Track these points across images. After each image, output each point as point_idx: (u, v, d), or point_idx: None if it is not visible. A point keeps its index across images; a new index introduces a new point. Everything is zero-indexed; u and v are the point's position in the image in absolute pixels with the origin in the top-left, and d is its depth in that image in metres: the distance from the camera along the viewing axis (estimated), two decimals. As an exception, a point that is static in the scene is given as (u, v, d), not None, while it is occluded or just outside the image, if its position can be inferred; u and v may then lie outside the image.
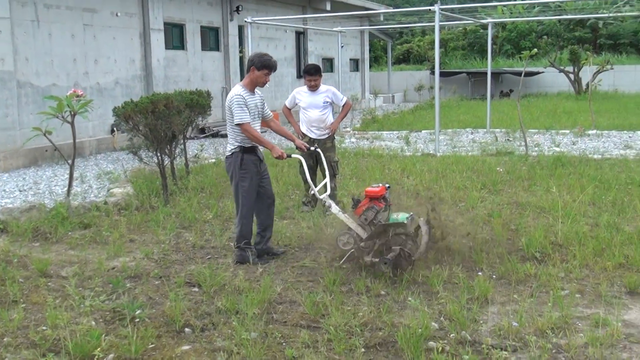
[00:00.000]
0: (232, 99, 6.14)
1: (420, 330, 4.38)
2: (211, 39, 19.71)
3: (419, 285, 5.38)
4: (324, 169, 8.19)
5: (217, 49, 19.94)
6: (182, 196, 9.02)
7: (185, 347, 4.45)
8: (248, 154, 6.22)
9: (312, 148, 6.90)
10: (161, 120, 8.69)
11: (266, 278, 5.62)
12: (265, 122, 6.59)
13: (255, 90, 6.36)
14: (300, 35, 24.59)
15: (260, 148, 6.37)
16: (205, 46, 19.24)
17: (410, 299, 5.05)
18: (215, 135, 17.62)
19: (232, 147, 6.25)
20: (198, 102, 9.69)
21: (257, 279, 5.81)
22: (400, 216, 5.80)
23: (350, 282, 5.59)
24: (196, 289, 5.60)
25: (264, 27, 20.99)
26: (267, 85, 6.50)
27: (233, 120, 6.14)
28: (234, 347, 4.36)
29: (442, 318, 4.77)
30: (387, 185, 6.10)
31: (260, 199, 6.40)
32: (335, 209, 5.97)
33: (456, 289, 5.29)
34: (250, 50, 15.70)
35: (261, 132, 6.39)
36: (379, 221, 5.76)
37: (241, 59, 19.94)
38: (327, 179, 6.48)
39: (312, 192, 6.20)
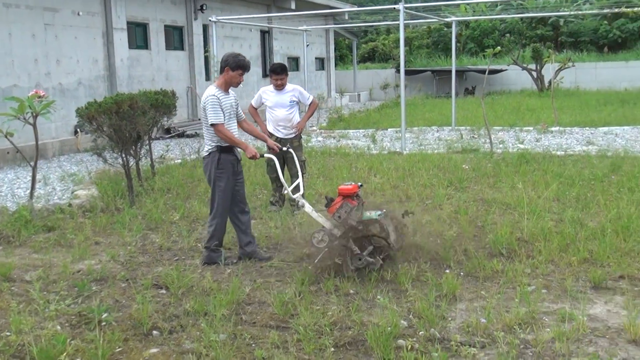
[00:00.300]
0: (206, 99, 6.12)
1: (389, 328, 4.39)
2: (175, 38, 19.55)
3: (387, 283, 5.39)
4: (294, 168, 8.19)
5: (182, 48, 19.78)
6: (148, 197, 8.93)
7: (153, 350, 4.40)
8: (225, 153, 6.20)
9: (285, 148, 6.87)
10: (125, 121, 8.58)
11: (234, 279, 5.59)
12: (238, 123, 6.55)
13: (230, 90, 6.34)
14: (266, 34, 24.52)
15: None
16: (169, 45, 19.08)
17: (379, 297, 5.06)
18: (181, 135, 17.47)
19: (209, 147, 6.22)
20: (163, 102, 9.60)
21: (226, 280, 5.78)
22: (373, 213, 5.83)
23: (319, 281, 5.58)
24: (163, 291, 5.54)
25: (228, 26, 20.88)
26: (240, 85, 6.47)
27: (208, 121, 6.11)
28: (203, 349, 4.32)
29: (411, 316, 4.79)
30: (359, 183, 6.11)
31: (234, 203, 6.34)
32: (308, 207, 5.96)
33: (424, 287, 5.32)
34: (215, 50, 15.60)
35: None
36: (352, 218, 5.77)
37: (206, 58, 19.81)
38: (300, 179, 6.44)
39: (286, 191, 6.15)
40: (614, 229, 6.60)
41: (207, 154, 6.25)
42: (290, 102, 8.23)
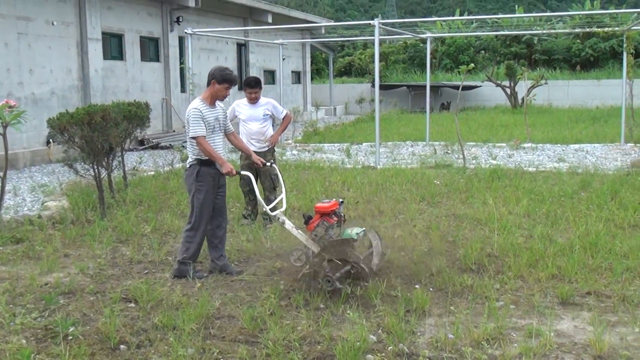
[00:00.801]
0: (188, 112, 6.15)
1: (358, 343, 4.39)
2: (151, 49, 19.49)
3: (357, 298, 5.39)
4: (267, 182, 8.18)
5: (157, 59, 19.72)
6: (120, 209, 8.85)
7: (120, 365, 4.36)
8: (206, 166, 6.19)
9: (268, 164, 6.81)
10: (98, 132, 8.52)
11: (204, 293, 5.56)
12: (225, 136, 6.53)
13: (217, 103, 6.34)
14: (242, 47, 24.54)
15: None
16: (145, 57, 19.01)
17: (348, 312, 5.06)
18: (155, 147, 17.38)
19: (191, 160, 6.25)
20: (136, 114, 9.54)
21: (195, 294, 5.74)
22: (354, 231, 5.76)
23: (289, 295, 5.58)
24: (132, 305, 5.49)
25: (205, 38, 20.87)
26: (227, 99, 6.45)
27: (189, 133, 6.13)
28: (171, 364, 4.28)
29: (380, 331, 4.80)
30: (340, 200, 6.06)
31: (213, 217, 6.30)
32: (289, 225, 5.85)
33: (394, 302, 5.33)
34: (190, 62, 15.58)
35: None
36: (330, 237, 5.71)
37: (182, 70, 19.76)
38: (283, 194, 6.31)
39: (264, 209, 6.10)
40: (582, 246, 6.69)
41: (189, 166, 6.28)
42: (263, 115, 8.24)
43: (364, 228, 5.91)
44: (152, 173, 12.13)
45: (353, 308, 5.18)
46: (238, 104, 8.39)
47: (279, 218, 5.89)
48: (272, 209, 6.10)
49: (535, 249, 6.64)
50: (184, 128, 18.81)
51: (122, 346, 4.62)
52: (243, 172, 6.52)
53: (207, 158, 6.17)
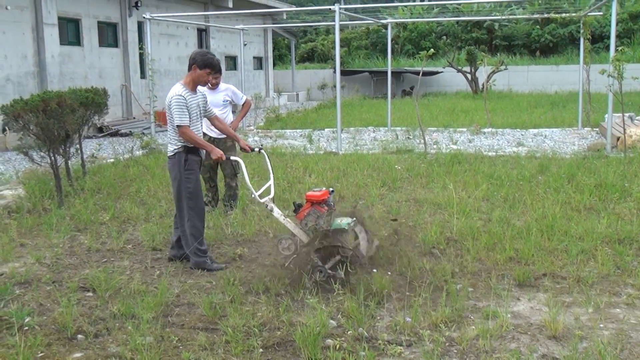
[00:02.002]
0: (171, 98, 5.91)
1: (318, 328, 4.40)
2: (109, 34, 19.18)
3: (317, 283, 5.39)
4: (228, 169, 8.11)
5: (116, 45, 19.42)
6: (78, 198, 8.72)
7: (77, 355, 4.31)
8: (192, 154, 6.02)
9: (257, 150, 6.42)
10: (53, 119, 8.36)
11: (163, 281, 5.51)
12: (210, 120, 6.38)
13: (197, 88, 6.16)
14: (203, 33, 24.29)
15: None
16: (103, 42, 18.70)
17: (308, 297, 5.07)
18: (115, 134, 17.14)
19: (175, 147, 6.01)
20: (93, 100, 9.39)
21: (154, 281, 5.69)
22: (344, 221, 5.65)
23: (249, 282, 5.56)
24: (90, 294, 5.42)
25: (164, 23, 20.59)
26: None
27: (173, 121, 5.92)
28: (128, 353, 4.25)
29: (340, 316, 4.82)
30: (330, 189, 5.87)
31: None
32: (277, 212, 5.73)
33: (354, 287, 5.34)
34: (149, 47, 15.36)
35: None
36: (320, 226, 5.59)
37: (141, 55, 19.48)
38: (271, 181, 6.08)
39: (253, 196, 5.81)
40: (539, 228, 6.79)
41: (173, 154, 6.04)
42: (223, 101, 8.16)
43: (354, 218, 5.79)
44: (112, 160, 11.97)
45: (313, 294, 5.19)
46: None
47: (267, 205, 5.74)
48: (260, 196, 5.89)
49: (494, 232, 6.73)
50: (144, 115, 18.67)
51: (79, 336, 4.56)
52: (233, 158, 6.18)
53: (193, 145, 5.99)
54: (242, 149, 6.30)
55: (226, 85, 8.28)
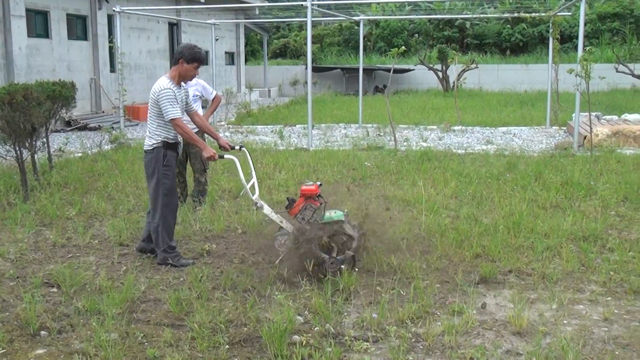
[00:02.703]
0: (160, 92, 5.77)
1: (284, 324, 4.39)
2: (78, 27, 18.92)
3: (285, 280, 5.39)
4: (197, 164, 8.05)
5: (85, 38, 19.17)
6: (44, 192, 8.59)
7: (40, 351, 4.25)
8: (171, 150, 5.92)
9: (238, 147, 6.24)
10: (19, 112, 8.23)
11: (129, 276, 5.45)
12: (190, 116, 6.26)
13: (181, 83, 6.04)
14: (174, 27, 24.09)
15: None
16: (72, 35, 18.45)
17: (276, 293, 5.06)
18: (84, 128, 16.93)
19: (154, 142, 5.88)
20: (61, 94, 9.26)
21: (120, 277, 5.64)
22: (335, 214, 5.64)
23: (217, 278, 5.54)
24: (55, 290, 5.35)
25: (135, 17, 20.38)
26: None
27: (160, 114, 5.79)
28: (92, 349, 4.20)
29: (307, 312, 4.82)
30: (319, 183, 5.86)
31: None
32: (267, 209, 5.67)
33: (321, 283, 5.35)
34: (119, 41, 15.19)
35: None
36: (316, 220, 5.57)
37: (111, 49, 19.26)
38: (254, 180, 5.96)
39: (244, 191, 5.71)
40: (506, 225, 6.86)
41: (151, 148, 5.90)
42: (193, 96, 8.07)
43: (346, 211, 5.79)
44: (79, 155, 11.83)
45: (280, 289, 5.19)
46: None
47: (256, 203, 5.67)
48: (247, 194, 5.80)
49: (461, 229, 6.78)
50: (114, 109, 18.46)
51: (42, 332, 4.50)
52: (227, 156, 5.97)
53: (173, 141, 5.90)
54: (222, 147, 6.11)
55: (196, 80, 8.19)
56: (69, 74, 17.21)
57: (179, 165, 8.02)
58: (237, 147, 6.16)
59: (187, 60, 5.88)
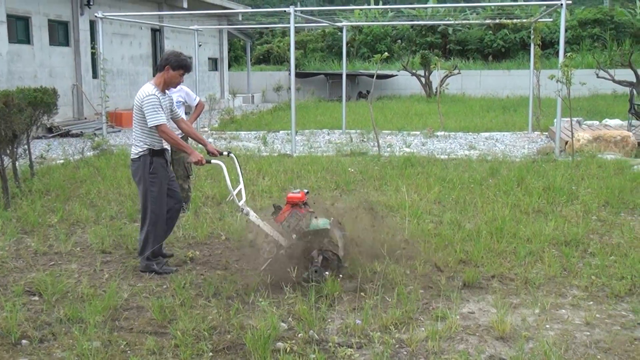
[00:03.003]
0: (144, 99, 5.72)
1: (268, 331, 4.39)
2: (60, 33, 18.82)
3: (269, 286, 5.38)
4: (180, 171, 8.03)
5: (67, 44, 19.06)
6: (25, 199, 8.52)
7: (21, 361, 4.21)
8: (157, 157, 5.86)
9: (226, 153, 6.18)
10: (0, 119, 8.15)
11: (112, 284, 5.42)
12: (176, 123, 6.23)
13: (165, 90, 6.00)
14: (157, 33, 24.01)
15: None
16: (53, 41, 18.33)
17: (260, 300, 5.05)
18: (66, 134, 16.81)
19: (140, 150, 5.84)
20: (42, 100, 9.20)
21: (103, 285, 5.60)
22: (321, 222, 5.63)
23: (200, 285, 5.52)
24: (36, 298, 5.30)
25: (117, 22, 20.30)
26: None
27: (144, 122, 5.74)
28: (74, 358, 4.17)
29: (290, 318, 4.82)
30: (305, 190, 5.86)
31: (168, 205, 6.04)
32: (253, 216, 5.63)
33: (306, 289, 5.35)
34: (101, 47, 15.11)
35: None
36: (302, 228, 5.57)
37: (93, 55, 19.15)
38: (242, 185, 5.91)
39: (231, 197, 5.63)
40: (489, 231, 6.90)
41: (137, 157, 5.86)
42: (177, 102, 8.06)
43: (331, 218, 5.78)
44: (62, 161, 11.75)
45: (264, 296, 5.18)
46: None
47: (242, 209, 5.62)
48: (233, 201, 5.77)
49: (445, 234, 6.81)
50: (96, 115, 18.35)
51: (24, 341, 4.46)
52: (214, 161, 5.93)
53: (159, 148, 5.85)
54: (210, 152, 6.05)
55: (180, 86, 8.16)
56: (51, 80, 17.10)
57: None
58: (225, 153, 6.11)
59: (173, 67, 5.85)
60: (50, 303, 5.13)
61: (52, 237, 7.09)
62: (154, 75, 22.42)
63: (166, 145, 5.99)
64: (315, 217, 5.67)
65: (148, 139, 5.84)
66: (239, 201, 5.66)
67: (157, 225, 5.95)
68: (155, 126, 5.72)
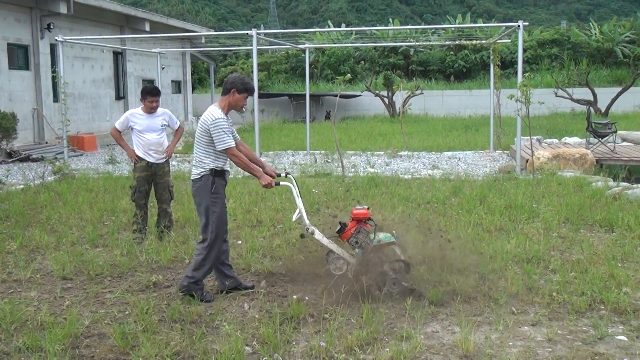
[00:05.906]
0: (214, 121, 5.69)
1: (232, 355, 4.35)
2: (20, 57, 18.59)
3: (233, 310, 5.34)
4: (165, 194, 7.94)
5: (27, 68, 18.84)
6: (-17, 226, 8.36)
7: (-22, 393, 4.10)
8: (219, 177, 5.84)
9: (284, 174, 6.26)
10: (-43, 145, 8.01)
11: (73, 311, 5.32)
12: (236, 145, 6.08)
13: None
14: (119, 56, 23.86)
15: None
16: (13, 65, 18.10)
17: (224, 324, 5.00)
18: (26, 159, 16.53)
19: (202, 170, 5.80)
20: (1, 125, 9.05)
21: (63, 312, 5.50)
22: (382, 236, 5.81)
23: (163, 310, 5.45)
24: (-6, 327, 5.18)
25: (78, 46, 20.15)
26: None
27: (210, 144, 5.72)
28: (34, 388, 4.07)
29: (255, 342, 4.78)
30: (368, 207, 6.01)
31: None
32: (319, 234, 5.79)
33: (271, 312, 5.32)
34: (62, 70, 14.95)
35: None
36: (369, 243, 5.72)
37: (54, 78, 18.95)
38: (301, 206, 5.96)
39: (298, 215, 5.86)
40: (452, 249, 6.93)
41: (199, 177, 5.82)
42: (161, 126, 8.01)
43: (393, 232, 5.99)
44: (21, 187, 11.55)
45: (229, 320, 5.13)
46: (133, 113, 8.00)
47: (308, 228, 5.80)
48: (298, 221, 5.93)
49: (409, 254, 6.82)
50: (57, 139, 18.13)
51: (-20, 372, 4.35)
52: (283, 183, 5.97)
53: (220, 169, 5.83)
54: (267, 174, 5.96)
55: (163, 110, 8.17)
56: (10, 105, 16.85)
57: (144, 196, 7.89)
58: (283, 174, 6.26)
59: (239, 90, 5.85)
60: (9, 332, 5.02)
61: (12, 264, 6.94)
62: (116, 98, 22.31)
63: (227, 167, 5.95)
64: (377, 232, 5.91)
65: (211, 160, 5.81)
66: (307, 220, 5.88)
67: (214, 247, 5.86)
68: (226, 149, 5.72)
